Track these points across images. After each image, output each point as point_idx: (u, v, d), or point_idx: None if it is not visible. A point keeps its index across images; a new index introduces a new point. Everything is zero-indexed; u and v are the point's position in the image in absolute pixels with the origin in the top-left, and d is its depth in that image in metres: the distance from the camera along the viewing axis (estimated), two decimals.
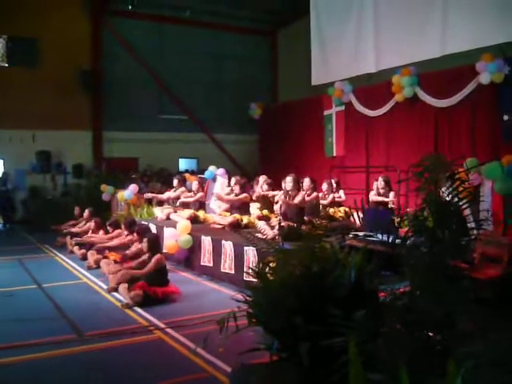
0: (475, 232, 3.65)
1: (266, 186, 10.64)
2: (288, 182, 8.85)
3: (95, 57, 18.61)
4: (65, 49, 17.46)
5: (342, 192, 11.57)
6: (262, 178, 11.38)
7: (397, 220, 3.89)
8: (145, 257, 7.91)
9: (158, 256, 7.76)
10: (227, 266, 8.57)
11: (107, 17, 18.78)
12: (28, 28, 17.13)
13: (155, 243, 8.06)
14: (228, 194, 10.89)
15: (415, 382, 1.93)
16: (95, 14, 18.62)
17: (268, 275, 3.85)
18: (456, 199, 3.49)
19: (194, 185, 11.91)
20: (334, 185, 11.57)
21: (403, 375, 1.91)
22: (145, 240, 8.00)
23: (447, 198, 3.52)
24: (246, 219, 10.06)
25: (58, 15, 17.55)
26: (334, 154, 15.83)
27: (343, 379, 2.93)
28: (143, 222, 11.42)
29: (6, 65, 17.48)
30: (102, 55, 18.75)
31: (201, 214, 11.35)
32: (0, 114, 16.41)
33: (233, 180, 11.04)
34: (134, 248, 8.97)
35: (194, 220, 10.65)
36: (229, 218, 10.18)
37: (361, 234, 6.15)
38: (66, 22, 17.65)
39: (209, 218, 11.06)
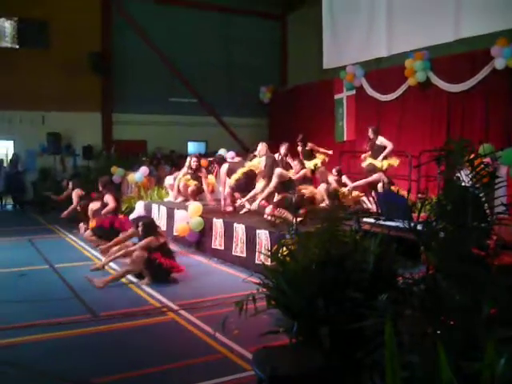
0: (493, 218, 3.63)
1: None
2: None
3: (105, 39, 18.52)
4: (75, 30, 17.36)
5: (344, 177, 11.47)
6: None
7: (414, 205, 3.90)
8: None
9: (149, 238, 7.73)
10: (239, 249, 8.57)
11: None
12: (38, 10, 17.04)
13: (150, 227, 8.01)
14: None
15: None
16: None
17: (287, 258, 3.85)
18: (478, 184, 3.46)
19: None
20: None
21: (442, 356, 1.90)
22: (140, 224, 8.00)
23: (467, 183, 3.50)
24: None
25: None
26: (345, 139, 15.76)
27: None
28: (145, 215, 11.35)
29: (17, 46, 17.44)
30: (112, 37, 18.65)
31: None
32: (11, 95, 16.40)
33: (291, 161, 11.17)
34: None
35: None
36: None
37: (375, 218, 6.12)
38: (76, 4, 17.52)
39: None
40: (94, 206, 10.42)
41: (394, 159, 10.49)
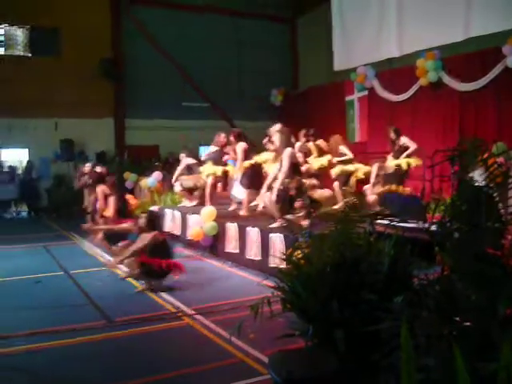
0: (508, 218, 3.61)
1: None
2: None
3: (116, 45, 18.66)
4: (86, 37, 17.49)
5: None
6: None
7: (427, 205, 3.88)
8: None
9: (154, 232, 7.71)
10: (253, 252, 8.57)
11: (128, 5, 18.77)
12: (49, 18, 17.22)
13: (153, 220, 8.00)
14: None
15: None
16: (115, 2, 18.65)
17: (301, 261, 3.84)
18: (492, 184, 3.44)
19: None
20: None
21: (459, 358, 1.89)
22: (143, 215, 8.00)
23: (481, 183, 3.48)
24: None
25: (79, 4, 17.60)
26: (357, 140, 15.73)
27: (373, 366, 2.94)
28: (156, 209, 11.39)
29: (29, 55, 17.61)
30: (123, 43, 18.79)
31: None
32: (24, 103, 16.54)
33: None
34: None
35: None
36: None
37: (389, 220, 6.10)
38: (86, 11, 17.68)
39: None
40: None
41: (415, 159, 10.37)
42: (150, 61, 18.83)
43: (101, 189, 10.43)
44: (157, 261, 7.47)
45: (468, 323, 2.70)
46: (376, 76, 14.83)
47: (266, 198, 8.74)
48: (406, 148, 10.36)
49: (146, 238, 7.62)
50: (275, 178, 8.51)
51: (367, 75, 14.84)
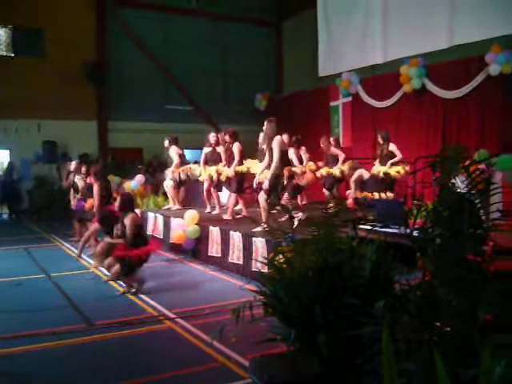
0: (489, 224, 3.63)
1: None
2: None
3: (101, 47, 18.57)
4: (70, 39, 17.39)
5: None
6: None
7: (409, 211, 3.90)
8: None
9: (131, 215, 7.52)
10: (235, 256, 8.55)
11: (112, 7, 18.70)
12: (33, 18, 17.09)
13: (129, 201, 7.77)
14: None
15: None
16: (100, 3, 18.57)
17: (283, 266, 3.84)
18: (473, 191, 3.47)
19: None
20: None
21: (439, 364, 1.90)
22: (118, 198, 7.80)
23: (463, 190, 3.51)
24: None
25: (63, 5, 17.50)
26: (341, 146, 15.76)
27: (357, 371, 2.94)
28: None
29: (12, 55, 17.46)
30: (107, 45, 18.71)
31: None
32: (6, 104, 16.38)
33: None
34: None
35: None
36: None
37: (372, 225, 6.12)
38: (71, 12, 17.60)
39: None
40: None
41: (402, 167, 10.44)
42: (134, 63, 18.78)
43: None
44: (134, 252, 7.35)
45: (449, 329, 2.71)
46: (360, 82, 14.91)
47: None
48: (393, 155, 10.43)
49: (128, 222, 7.43)
50: (268, 167, 8.45)
51: (351, 81, 14.92)
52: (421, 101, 12.99)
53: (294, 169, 9.04)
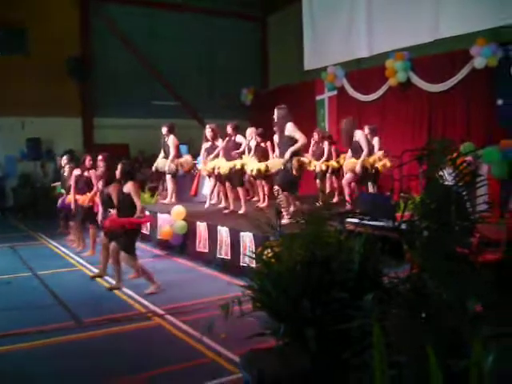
0: (476, 216, 3.65)
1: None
2: None
3: (85, 43, 18.39)
4: (54, 35, 17.18)
5: None
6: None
7: (397, 204, 3.93)
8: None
9: (131, 183, 7.30)
10: (223, 251, 8.54)
11: (96, 2, 18.53)
12: (17, 15, 16.83)
13: (129, 168, 7.53)
14: None
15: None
16: None
17: (271, 260, 3.83)
18: (460, 183, 3.48)
19: None
20: None
21: (432, 356, 1.90)
22: (119, 166, 7.47)
23: (450, 182, 3.52)
24: None
25: (47, 1, 17.31)
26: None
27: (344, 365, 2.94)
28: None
29: None
30: (91, 41, 18.53)
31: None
32: None
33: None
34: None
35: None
36: None
37: (359, 218, 6.13)
38: (54, 8, 17.39)
39: None
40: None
41: (387, 160, 10.39)
42: (119, 59, 18.63)
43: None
44: (128, 220, 7.20)
45: (439, 321, 2.72)
46: (346, 76, 14.91)
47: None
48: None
49: (131, 188, 7.27)
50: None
51: (337, 75, 14.92)
52: (406, 94, 13.02)
53: (303, 159, 8.97)
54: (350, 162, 9.98)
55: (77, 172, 10.23)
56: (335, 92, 15.45)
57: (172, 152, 11.65)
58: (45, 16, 17.11)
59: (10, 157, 17.27)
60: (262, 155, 10.64)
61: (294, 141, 8.57)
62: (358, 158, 9.80)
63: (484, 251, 4.15)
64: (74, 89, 18.10)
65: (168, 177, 11.92)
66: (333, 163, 11.62)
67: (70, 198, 10.14)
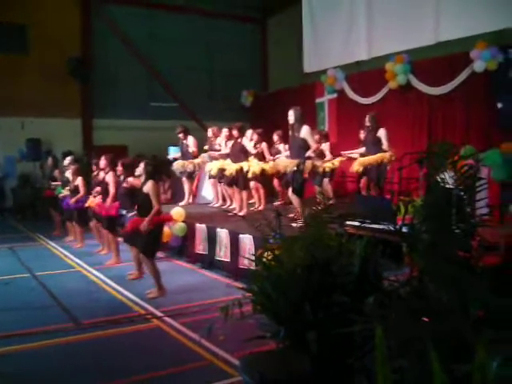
0: (476, 220, 3.64)
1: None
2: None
3: (85, 43, 18.36)
4: (54, 35, 17.17)
5: None
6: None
7: (397, 208, 3.92)
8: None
9: (152, 182, 7.16)
10: (222, 253, 8.53)
11: (97, 3, 18.52)
12: (17, 14, 16.85)
13: (152, 167, 7.30)
14: None
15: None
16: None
17: (271, 262, 3.82)
18: (461, 186, 3.48)
19: None
20: None
21: (435, 360, 1.89)
22: (141, 164, 7.31)
23: (451, 185, 3.51)
24: None
25: (48, 2, 17.30)
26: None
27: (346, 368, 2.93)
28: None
29: None
30: (92, 42, 18.51)
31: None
32: None
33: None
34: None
35: None
36: None
37: (360, 221, 6.12)
38: (55, 8, 17.37)
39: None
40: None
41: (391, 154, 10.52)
42: (119, 60, 18.61)
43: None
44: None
45: (441, 324, 2.71)
46: (345, 78, 14.90)
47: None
48: (380, 142, 10.39)
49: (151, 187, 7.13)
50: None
51: (337, 77, 14.91)
52: (406, 97, 13.02)
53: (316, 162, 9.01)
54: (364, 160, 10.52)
55: (113, 177, 9.25)
56: (335, 95, 15.45)
57: (193, 151, 11.57)
58: (45, 15, 17.09)
59: (9, 157, 17.24)
60: (260, 157, 10.68)
61: (308, 144, 8.52)
62: (372, 154, 10.33)
63: (485, 255, 4.14)
64: (74, 90, 18.08)
65: (184, 178, 11.94)
66: (328, 165, 11.50)
67: (92, 201, 9.74)
